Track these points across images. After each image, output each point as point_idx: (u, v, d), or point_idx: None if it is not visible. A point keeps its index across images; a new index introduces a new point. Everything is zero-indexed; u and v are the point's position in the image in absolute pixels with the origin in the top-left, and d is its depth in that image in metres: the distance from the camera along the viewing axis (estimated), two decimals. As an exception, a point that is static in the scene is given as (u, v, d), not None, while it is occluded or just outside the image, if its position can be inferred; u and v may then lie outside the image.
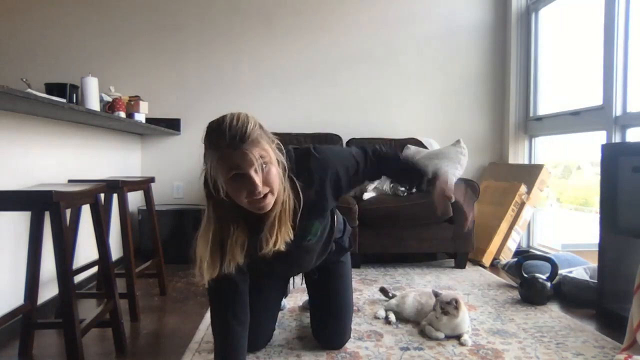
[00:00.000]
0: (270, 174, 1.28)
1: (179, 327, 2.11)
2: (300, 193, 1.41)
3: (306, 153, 1.49)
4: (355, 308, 2.26)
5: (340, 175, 1.51)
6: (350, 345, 1.85)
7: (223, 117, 1.28)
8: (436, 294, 1.98)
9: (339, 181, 1.51)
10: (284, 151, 1.38)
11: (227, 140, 1.23)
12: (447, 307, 1.90)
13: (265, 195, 1.29)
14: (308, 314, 2.22)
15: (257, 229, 1.41)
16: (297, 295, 2.53)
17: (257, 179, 1.25)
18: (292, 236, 1.41)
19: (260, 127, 1.30)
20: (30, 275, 1.73)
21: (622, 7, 2.76)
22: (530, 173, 3.46)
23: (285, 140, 3.93)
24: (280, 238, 1.39)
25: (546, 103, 3.75)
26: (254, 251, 1.42)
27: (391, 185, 3.19)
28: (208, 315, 2.20)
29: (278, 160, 1.33)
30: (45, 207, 1.55)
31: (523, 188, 3.33)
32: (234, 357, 1.48)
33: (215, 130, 1.27)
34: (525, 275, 2.49)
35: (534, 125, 3.77)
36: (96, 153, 2.89)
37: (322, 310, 1.84)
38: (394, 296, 2.30)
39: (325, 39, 3.85)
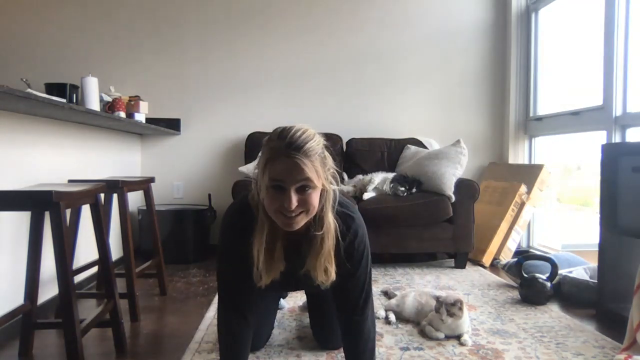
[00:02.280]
0: (310, 196, 1.24)
1: (179, 327, 2.11)
2: (340, 238, 1.36)
3: (350, 216, 1.42)
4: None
5: (356, 255, 1.42)
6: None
7: (292, 125, 1.26)
8: (436, 298, 1.98)
9: (350, 258, 1.41)
10: (337, 187, 1.34)
11: (284, 145, 1.21)
12: (452, 308, 1.90)
13: (298, 214, 1.26)
14: (307, 315, 2.22)
15: (293, 251, 1.37)
16: (297, 295, 2.53)
17: (294, 197, 1.22)
18: (333, 275, 1.35)
19: (323, 150, 1.27)
20: (30, 275, 1.73)
21: (622, 7, 2.76)
22: (530, 173, 3.46)
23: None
24: (321, 271, 1.34)
25: (546, 103, 3.75)
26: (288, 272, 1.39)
27: (391, 185, 3.19)
28: (208, 315, 2.21)
29: (325, 188, 1.29)
30: (45, 207, 1.55)
31: (523, 188, 3.33)
32: (241, 357, 1.48)
33: (278, 133, 1.25)
34: (525, 275, 2.49)
35: (534, 125, 3.77)
36: (96, 153, 2.89)
37: (319, 311, 1.84)
38: (394, 296, 2.30)
39: (325, 39, 3.85)
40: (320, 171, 1.25)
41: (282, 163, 1.21)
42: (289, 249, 1.38)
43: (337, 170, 1.34)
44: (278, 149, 1.22)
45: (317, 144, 1.25)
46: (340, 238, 1.35)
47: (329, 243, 1.33)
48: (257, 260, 1.31)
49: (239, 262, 1.36)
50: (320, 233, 1.32)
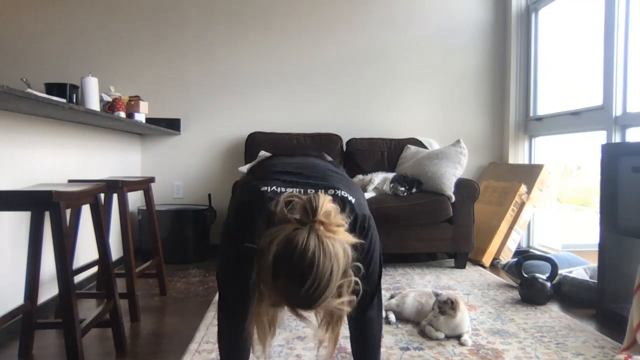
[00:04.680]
0: (330, 320, 1.15)
1: (179, 327, 2.11)
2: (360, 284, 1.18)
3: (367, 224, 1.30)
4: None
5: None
6: (350, 345, 1.85)
7: (308, 265, 1.00)
8: (436, 294, 1.98)
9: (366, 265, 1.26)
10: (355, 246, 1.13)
11: (297, 300, 1.06)
12: (444, 306, 1.91)
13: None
14: (307, 315, 2.22)
15: None
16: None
17: (306, 320, 1.15)
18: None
19: (346, 269, 1.07)
20: (30, 275, 1.73)
21: (622, 8, 2.76)
22: (530, 173, 3.46)
23: (285, 139, 3.92)
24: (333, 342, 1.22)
25: (546, 103, 3.75)
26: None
27: (391, 185, 3.19)
28: (208, 315, 2.20)
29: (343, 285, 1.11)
30: (45, 207, 1.55)
31: (523, 188, 3.33)
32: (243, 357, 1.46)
33: (291, 272, 1.02)
34: (525, 275, 2.49)
35: (534, 125, 3.77)
36: (96, 153, 2.89)
37: None
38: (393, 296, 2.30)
39: (325, 39, 3.85)
40: (336, 299, 1.09)
41: (293, 310, 1.11)
42: None
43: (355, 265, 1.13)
44: (287, 298, 1.07)
45: (333, 286, 1.04)
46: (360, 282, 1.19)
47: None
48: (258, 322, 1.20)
49: (243, 272, 1.21)
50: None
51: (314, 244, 1.01)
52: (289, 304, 1.09)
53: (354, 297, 1.12)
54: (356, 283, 1.11)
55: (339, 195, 1.26)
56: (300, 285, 1.00)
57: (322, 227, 1.04)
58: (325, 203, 1.08)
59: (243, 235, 1.20)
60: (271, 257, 1.02)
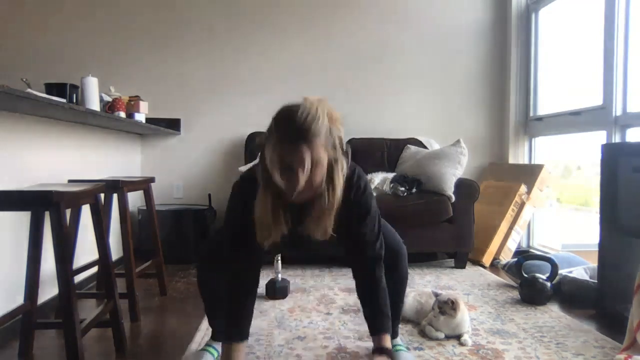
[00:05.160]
0: (315, 174, 1.29)
1: (179, 327, 2.11)
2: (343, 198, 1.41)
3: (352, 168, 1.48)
4: (355, 308, 2.27)
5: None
6: (350, 345, 1.85)
7: (297, 106, 1.29)
8: (436, 294, 1.98)
9: (359, 204, 1.49)
10: (347, 150, 1.39)
11: (289, 132, 1.26)
12: (444, 306, 1.91)
13: (303, 190, 1.30)
14: (307, 314, 2.22)
15: (299, 214, 1.41)
16: (296, 295, 2.53)
17: (302, 177, 1.27)
18: (331, 233, 1.40)
19: (328, 124, 1.31)
20: (30, 275, 1.73)
21: (622, 7, 2.76)
22: (530, 173, 3.46)
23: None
24: (321, 231, 1.39)
25: (546, 103, 3.75)
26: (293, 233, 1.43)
27: (391, 185, 3.19)
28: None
29: (333, 159, 1.34)
30: (45, 207, 1.55)
31: (523, 188, 3.33)
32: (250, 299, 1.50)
33: (284, 116, 1.30)
34: (525, 275, 2.49)
35: (534, 125, 3.77)
36: (96, 153, 2.89)
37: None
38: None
39: (325, 39, 3.85)
40: (325, 147, 1.30)
41: (287, 149, 1.26)
42: (294, 212, 1.41)
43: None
44: (282, 134, 1.27)
45: (321, 123, 1.28)
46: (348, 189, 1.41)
47: (336, 206, 1.37)
48: (261, 222, 1.36)
49: (246, 219, 1.39)
50: (326, 197, 1.35)
51: (303, 100, 1.31)
52: (286, 139, 1.26)
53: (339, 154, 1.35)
54: (341, 141, 1.36)
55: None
56: (294, 113, 1.27)
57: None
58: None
59: (248, 197, 1.40)
60: (272, 120, 1.32)
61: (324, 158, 1.30)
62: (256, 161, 1.37)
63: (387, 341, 1.51)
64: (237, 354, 1.44)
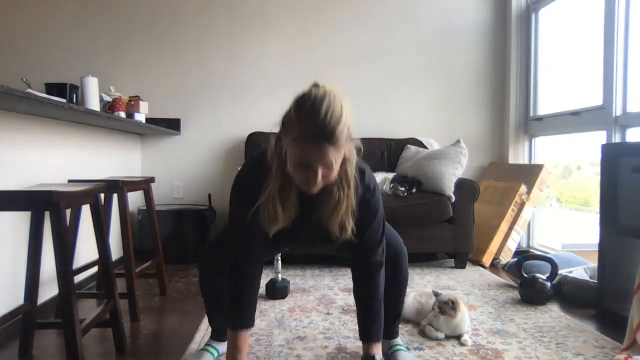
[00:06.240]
0: (331, 171, 1.28)
1: (179, 327, 2.11)
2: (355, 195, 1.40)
3: (361, 169, 1.46)
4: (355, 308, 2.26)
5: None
6: (350, 345, 1.85)
7: (321, 101, 1.23)
8: (436, 294, 1.98)
9: (367, 205, 1.46)
10: (358, 144, 1.37)
11: (314, 131, 1.22)
12: (445, 306, 1.91)
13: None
14: (307, 314, 2.22)
15: (309, 203, 1.40)
16: (296, 295, 2.53)
17: (319, 175, 1.26)
18: (349, 233, 1.39)
19: (349, 125, 1.27)
20: (30, 275, 1.73)
21: (622, 7, 2.76)
22: (530, 173, 3.46)
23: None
24: (337, 227, 1.37)
25: (546, 103, 3.75)
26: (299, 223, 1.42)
27: (391, 185, 3.19)
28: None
29: (347, 159, 1.33)
30: (45, 207, 1.55)
31: (523, 188, 3.33)
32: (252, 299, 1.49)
33: (308, 111, 1.23)
34: (525, 275, 2.49)
35: (534, 125, 3.77)
36: (96, 153, 2.89)
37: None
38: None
39: (325, 39, 3.85)
40: (343, 149, 1.28)
41: (311, 147, 1.24)
42: (303, 199, 1.39)
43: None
44: (308, 132, 1.23)
45: (344, 123, 1.24)
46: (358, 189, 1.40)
47: (350, 200, 1.36)
48: (269, 205, 1.34)
49: (251, 206, 1.37)
50: (340, 190, 1.35)
51: (324, 91, 1.26)
52: (310, 138, 1.23)
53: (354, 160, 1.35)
54: (358, 150, 1.35)
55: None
56: (319, 111, 1.21)
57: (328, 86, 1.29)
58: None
59: (250, 187, 1.39)
60: (292, 109, 1.27)
61: (341, 158, 1.29)
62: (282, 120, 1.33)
63: (378, 349, 1.51)
64: (243, 341, 1.45)
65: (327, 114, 1.21)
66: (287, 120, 1.29)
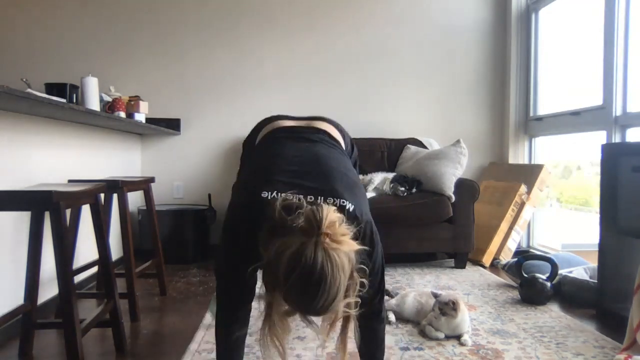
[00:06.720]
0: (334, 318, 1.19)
1: (179, 327, 2.11)
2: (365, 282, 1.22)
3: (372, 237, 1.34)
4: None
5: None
6: (350, 345, 1.85)
7: (319, 283, 1.05)
8: (435, 295, 1.98)
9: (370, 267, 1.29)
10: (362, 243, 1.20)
11: (305, 311, 1.13)
12: (445, 307, 1.91)
13: None
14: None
15: None
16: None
17: (315, 325, 1.20)
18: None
19: (351, 272, 1.12)
20: (30, 275, 1.73)
21: (622, 7, 2.76)
22: (530, 173, 3.46)
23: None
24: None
25: (546, 103, 3.75)
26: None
27: (391, 185, 3.19)
28: (208, 315, 2.20)
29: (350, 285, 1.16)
30: (45, 207, 1.55)
31: (523, 188, 3.33)
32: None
33: (300, 290, 1.07)
34: (525, 275, 2.49)
35: (534, 125, 3.77)
36: (96, 153, 2.89)
37: None
38: (395, 295, 2.30)
39: (325, 39, 3.85)
40: (343, 303, 1.14)
41: (306, 315, 1.16)
42: None
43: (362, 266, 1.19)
44: (299, 309, 1.13)
45: (340, 298, 1.10)
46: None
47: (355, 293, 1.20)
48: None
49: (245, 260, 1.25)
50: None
51: (322, 258, 1.06)
52: (301, 313, 1.15)
53: (359, 300, 1.17)
54: (362, 285, 1.17)
55: (339, 204, 1.26)
56: (312, 299, 1.07)
57: (327, 239, 1.08)
58: (330, 214, 1.11)
59: (242, 237, 1.26)
60: (281, 273, 1.07)
61: (344, 309, 1.16)
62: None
63: None
64: None
65: (323, 292, 1.06)
66: (271, 274, 1.11)
